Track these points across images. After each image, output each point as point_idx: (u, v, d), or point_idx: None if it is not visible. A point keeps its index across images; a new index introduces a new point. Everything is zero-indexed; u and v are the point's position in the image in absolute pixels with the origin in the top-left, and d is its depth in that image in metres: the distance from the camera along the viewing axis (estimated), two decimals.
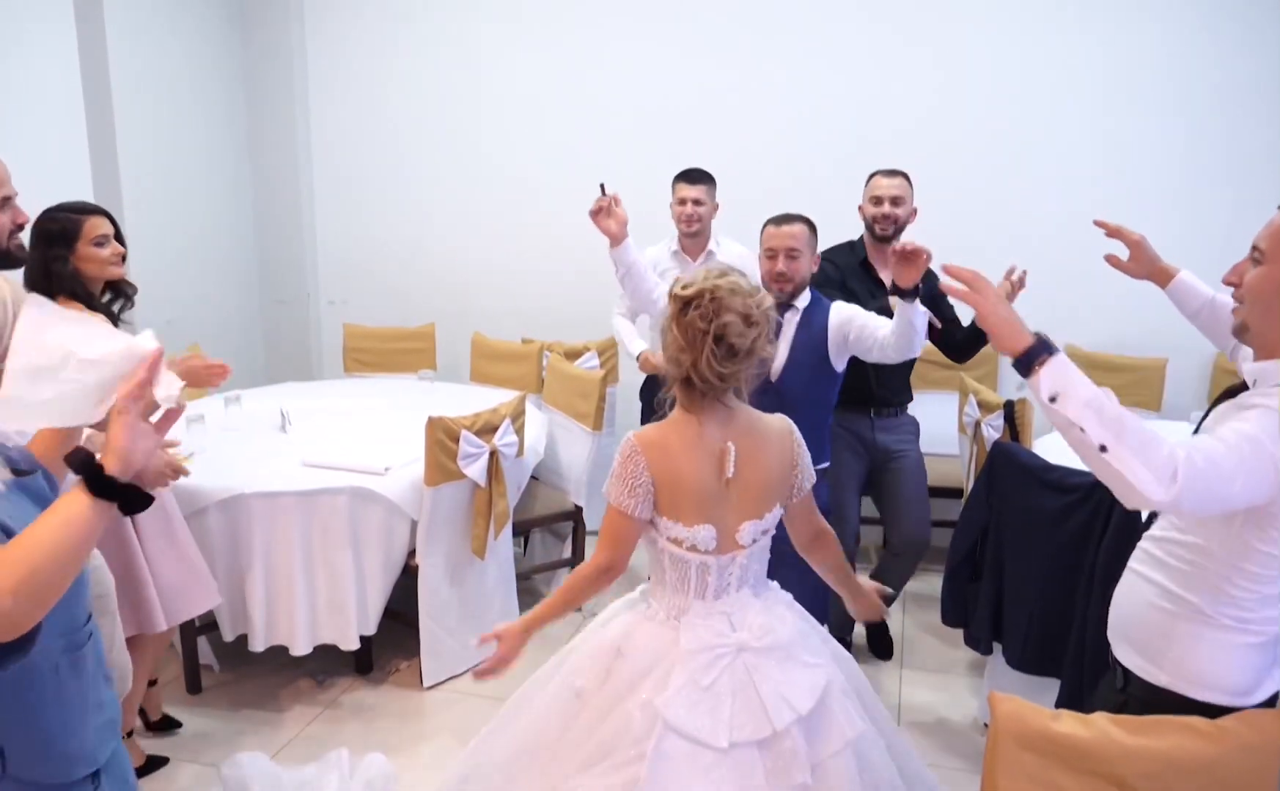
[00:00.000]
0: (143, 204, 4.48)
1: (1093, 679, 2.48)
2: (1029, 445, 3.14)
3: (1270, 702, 1.57)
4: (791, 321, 2.81)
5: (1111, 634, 1.74)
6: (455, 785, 2.02)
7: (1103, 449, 1.40)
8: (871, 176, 3.23)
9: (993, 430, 3.18)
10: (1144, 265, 2.13)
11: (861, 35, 4.36)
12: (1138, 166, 4.15)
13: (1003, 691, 2.75)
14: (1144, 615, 1.64)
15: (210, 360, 2.74)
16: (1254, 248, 1.55)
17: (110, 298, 2.62)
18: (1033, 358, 1.46)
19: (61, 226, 2.49)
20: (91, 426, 1.47)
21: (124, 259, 2.60)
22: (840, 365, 2.84)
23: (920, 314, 2.59)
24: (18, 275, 2.25)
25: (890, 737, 1.97)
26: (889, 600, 3.34)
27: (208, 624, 3.15)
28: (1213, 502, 1.42)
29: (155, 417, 1.26)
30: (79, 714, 1.31)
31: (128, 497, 1.21)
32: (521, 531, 3.89)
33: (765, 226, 2.85)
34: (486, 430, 3.20)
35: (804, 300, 2.84)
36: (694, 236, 3.73)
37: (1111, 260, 2.14)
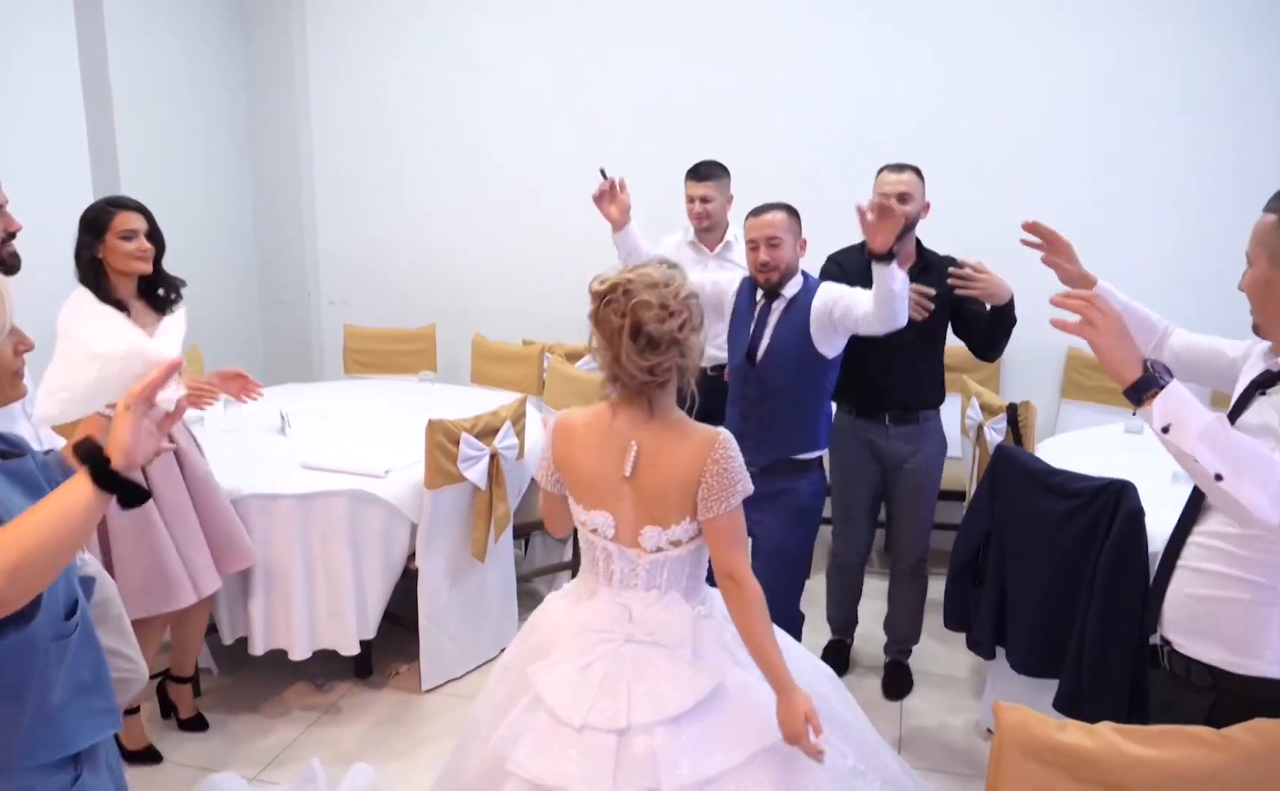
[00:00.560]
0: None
1: (1094, 680, 2.48)
2: (1032, 449, 3.13)
3: None
4: (777, 309, 2.77)
5: (1181, 637, 1.69)
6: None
7: (1218, 477, 1.41)
8: (879, 172, 3.15)
9: (995, 433, 3.17)
10: (1074, 269, 2.08)
11: (861, 35, 4.35)
12: (1139, 167, 4.13)
13: (1005, 695, 2.76)
14: (1225, 610, 1.62)
15: (202, 383, 2.79)
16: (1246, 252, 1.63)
17: (164, 292, 2.71)
18: (1143, 389, 1.45)
19: (94, 216, 2.59)
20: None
21: (155, 257, 2.66)
22: (829, 350, 2.75)
23: (898, 278, 2.51)
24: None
25: (873, 760, 1.95)
26: (907, 645, 3.35)
27: (207, 627, 3.14)
28: None
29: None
30: (56, 697, 1.33)
31: (127, 491, 1.25)
32: (522, 534, 3.88)
33: (745, 220, 2.82)
34: (487, 432, 3.19)
35: (793, 287, 2.77)
36: (707, 231, 3.73)
37: (1048, 262, 2.09)
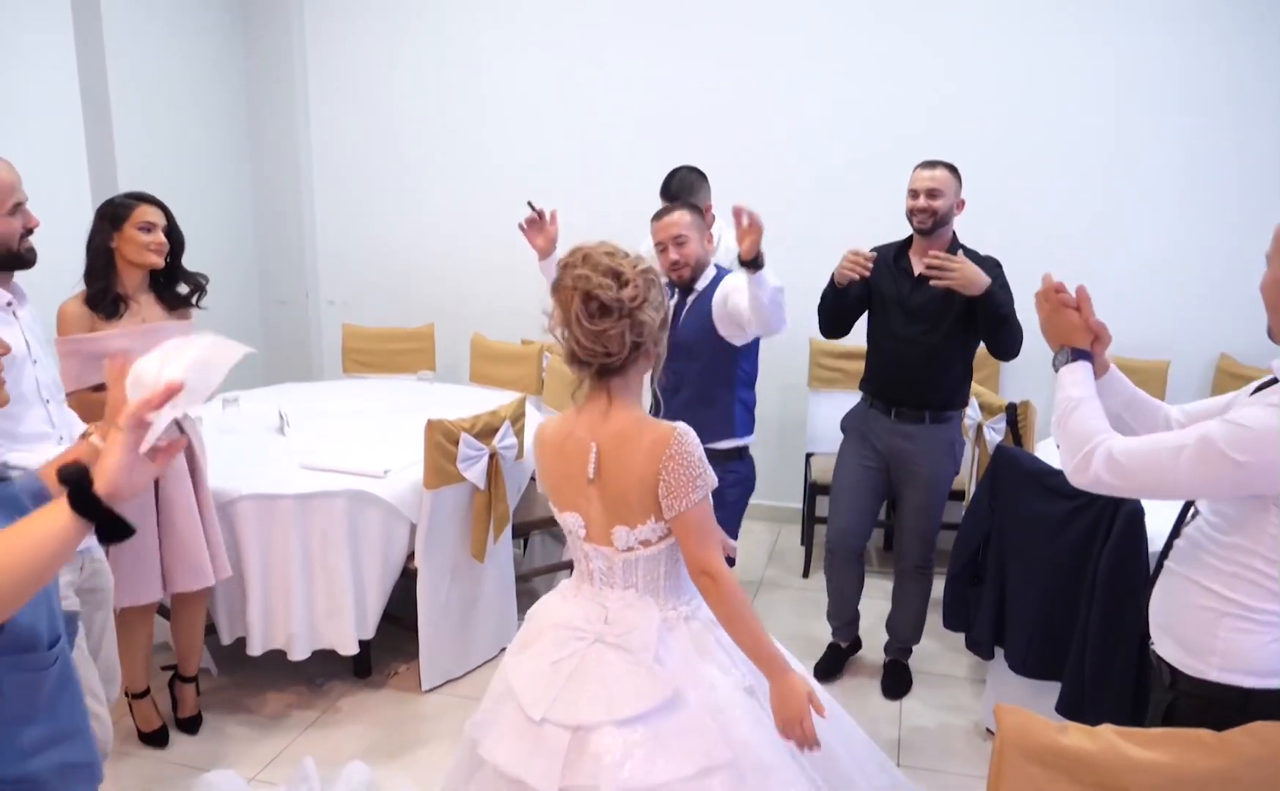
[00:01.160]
0: None
1: (1095, 683, 2.48)
2: (1031, 449, 3.13)
3: None
4: (690, 303, 2.84)
5: (1155, 632, 1.77)
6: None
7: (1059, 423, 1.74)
8: (915, 169, 3.06)
9: (995, 433, 3.17)
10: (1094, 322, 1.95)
11: (865, 37, 4.34)
12: (1145, 170, 4.13)
13: (1005, 695, 2.76)
14: (1189, 614, 1.68)
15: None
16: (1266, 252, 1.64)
17: (186, 290, 2.77)
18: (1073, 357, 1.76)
19: (115, 208, 2.64)
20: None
21: (171, 253, 2.70)
22: (736, 338, 2.78)
23: (764, 285, 2.53)
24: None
25: (867, 770, 1.93)
26: (907, 645, 3.34)
27: (206, 627, 3.14)
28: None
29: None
30: (26, 737, 1.25)
31: (109, 523, 1.14)
32: (521, 534, 3.87)
33: (650, 223, 2.87)
34: (486, 432, 3.18)
35: (704, 280, 2.85)
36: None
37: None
